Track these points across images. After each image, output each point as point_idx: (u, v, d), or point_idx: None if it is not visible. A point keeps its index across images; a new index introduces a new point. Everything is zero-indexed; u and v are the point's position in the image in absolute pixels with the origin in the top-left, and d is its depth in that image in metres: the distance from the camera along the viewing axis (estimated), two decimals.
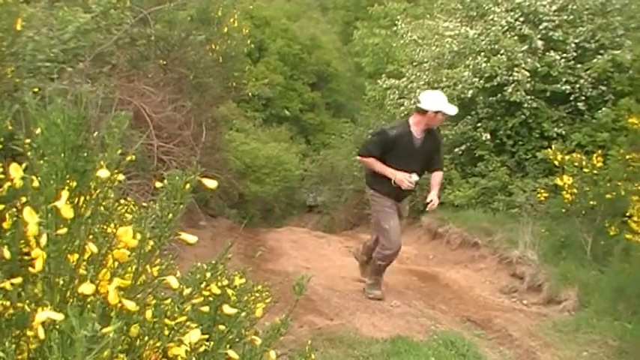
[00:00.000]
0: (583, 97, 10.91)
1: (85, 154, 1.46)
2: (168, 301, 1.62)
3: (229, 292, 2.25)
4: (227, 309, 1.60)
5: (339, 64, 35.50)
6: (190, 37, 9.27)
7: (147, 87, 7.52)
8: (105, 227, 1.56)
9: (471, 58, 12.08)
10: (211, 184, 1.56)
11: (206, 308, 1.64)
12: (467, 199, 11.49)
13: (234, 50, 10.81)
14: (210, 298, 1.71)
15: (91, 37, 6.10)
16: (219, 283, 2.52)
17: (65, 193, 1.42)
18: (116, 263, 1.52)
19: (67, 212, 1.42)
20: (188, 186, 1.54)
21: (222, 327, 1.60)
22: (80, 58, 5.95)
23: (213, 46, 10.06)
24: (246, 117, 22.73)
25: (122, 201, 1.82)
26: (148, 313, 1.55)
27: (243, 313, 2.07)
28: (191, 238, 1.54)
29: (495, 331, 5.94)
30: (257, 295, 2.49)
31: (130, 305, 1.44)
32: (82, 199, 1.52)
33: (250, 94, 15.19)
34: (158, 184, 1.75)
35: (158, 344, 1.44)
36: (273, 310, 5.88)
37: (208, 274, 1.51)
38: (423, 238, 12.15)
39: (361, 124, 19.76)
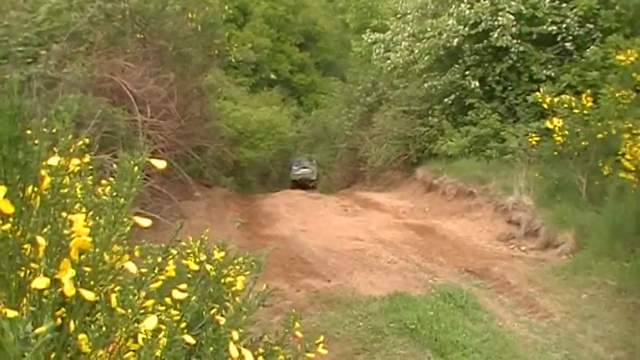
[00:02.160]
0: (570, 37, 10.64)
1: (24, 146, 1.33)
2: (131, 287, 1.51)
3: (208, 267, 2.14)
4: (176, 294, 1.48)
5: (326, 22, 34.70)
6: (167, 8, 8.92)
7: (126, 63, 7.26)
8: (64, 216, 1.44)
9: (454, 6, 11.77)
10: (160, 164, 1.43)
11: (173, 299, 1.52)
12: (460, 148, 11.41)
13: (212, 17, 10.44)
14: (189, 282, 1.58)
15: (64, 16, 5.83)
16: (197, 259, 2.42)
17: (2, 189, 1.29)
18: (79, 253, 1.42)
19: (7, 207, 1.30)
20: (137, 168, 1.39)
21: (174, 312, 1.49)
22: (56, 39, 5.69)
23: (191, 15, 9.71)
24: (236, 83, 22.27)
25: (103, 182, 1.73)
26: (114, 301, 1.45)
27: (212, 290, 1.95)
28: (144, 222, 1.41)
29: (494, 279, 5.92)
30: (239, 266, 2.36)
31: (89, 295, 1.34)
32: (30, 190, 1.39)
33: (236, 59, 14.81)
34: (114, 167, 1.61)
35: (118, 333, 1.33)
36: (269, 275, 5.84)
37: (159, 259, 1.38)
38: (418, 191, 12.12)
39: (350, 81, 19.46)
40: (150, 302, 1.47)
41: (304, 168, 22.10)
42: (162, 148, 7.89)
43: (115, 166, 1.56)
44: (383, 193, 13.64)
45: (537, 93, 8.86)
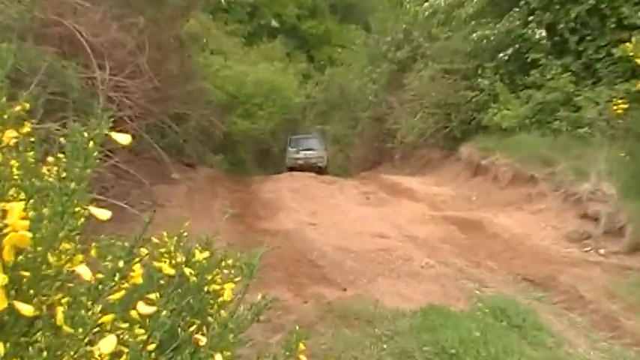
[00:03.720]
0: None
1: None
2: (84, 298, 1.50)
3: (187, 271, 2.13)
4: (143, 307, 1.46)
5: None
6: None
7: (80, 1, 7.20)
8: None
9: None
10: (123, 139, 1.40)
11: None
12: (518, 119, 11.31)
13: None
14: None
15: None
16: (174, 260, 2.42)
17: None
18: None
19: None
20: (92, 144, 1.37)
21: (139, 331, 1.47)
22: None
23: None
24: (227, 32, 22.20)
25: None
26: (60, 316, 1.43)
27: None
28: (103, 214, 1.39)
29: (562, 292, 5.86)
30: (228, 270, 2.35)
31: (26, 309, 1.32)
32: None
33: (226, 0, 14.77)
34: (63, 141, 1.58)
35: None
36: (268, 282, 5.87)
37: (121, 263, 1.36)
38: (462, 175, 12.05)
39: (376, 31, 19.29)
40: (108, 318, 1.45)
41: (308, 150, 21.40)
42: (130, 116, 7.90)
43: (64, 139, 1.54)
44: (416, 177, 13.58)
45: (627, 44, 8.67)
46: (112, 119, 1.46)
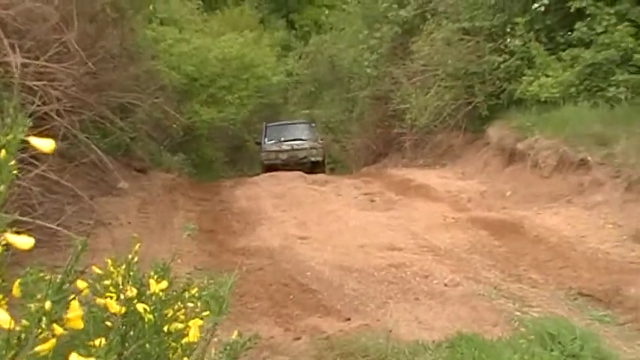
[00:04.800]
0: None
1: None
2: None
3: (140, 307, 2.13)
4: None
5: None
6: None
7: None
8: None
9: None
10: (44, 144, 1.39)
11: None
12: (561, 88, 11.34)
13: None
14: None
15: None
16: (123, 295, 2.41)
17: None
18: None
19: None
20: (4, 153, 1.36)
21: None
22: None
23: None
24: None
25: None
26: None
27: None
28: (23, 241, 1.37)
29: (630, 308, 5.83)
30: (193, 303, 2.35)
31: None
32: None
33: None
34: None
35: None
36: (249, 314, 5.89)
37: (48, 304, 1.35)
38: (492, 164, 12.12)
39: None
40: None
41: (294, 141, 20.79)
42: (58, 111, 7.84)
43: None
44: (433, 170, 13.60)
45: None
46: (34, 116, 1.44)
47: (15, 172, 1.39)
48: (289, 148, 20.32)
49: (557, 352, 4.86)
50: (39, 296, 1.48)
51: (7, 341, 1.35)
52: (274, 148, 20.42)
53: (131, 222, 8.94)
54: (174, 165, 15.76)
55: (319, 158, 20.48)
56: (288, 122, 22.30)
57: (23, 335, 1.38)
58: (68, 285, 1.42)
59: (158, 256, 2.49)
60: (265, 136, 21.09)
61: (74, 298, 1.45)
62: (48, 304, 1.35)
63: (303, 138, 20.91)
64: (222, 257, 7.76)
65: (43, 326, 1.35)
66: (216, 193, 13.16)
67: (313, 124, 21.81)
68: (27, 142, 1.39)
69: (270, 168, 19.54)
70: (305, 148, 20.36)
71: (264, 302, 6.19)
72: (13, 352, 1.35)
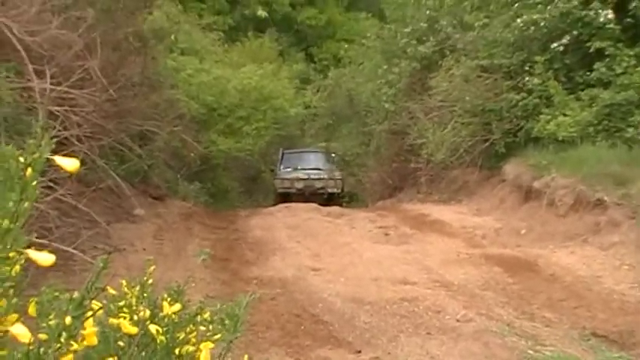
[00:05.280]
0: None
1: None
2: None
3: (153, 329, 2.15)
4: None
5: None
6: None
7: None
8: None
9: None
10: (70, 164, 1.42)
11: None
12: (579, 127, 11.35)
13: None
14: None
15: None
16: (136, 316, 2.44)
17: None
18: None
19: None
20: (31, 171, 1.39)
21: None
22: None
23: None
24: (202, 27, 22.41)
25: None
26: None
27: None
28: (45, 258, 1.41)
29: None
30: (205, 326, 2.38)
31: None
32: None
33: None
34: None
35: None
36: (260, 343, 5.90)
37: (68, 319, 1.38)
38: (508, 201, 12.11)
39: (392, 20, 19.42)
40: None
41: (311, 170, 20.23)
42: (79, 136, 7.94)
43: None
44: (448, 206, 13.57)
45: None
46: (56, 140, 1.49)
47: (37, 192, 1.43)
48: (306, 177, 19.81)
49: None
50: (52, 315, 1.51)
51: (26, 355, 1.38)
52: (290, 176, 19.88)
53: (146, 248, 8.97)
54: (190, 193, 15.80)
55: (337, 190, 19.99)
56: (307, 150, 22.05)
57: (42, 350, 1.40)
58: (88, 302, 1.45)
59: (172, 282, 2.51)
60: (281, 163, 20.63)
61: (93, 315, 1.48)
62: (68, 319, 1.38)
63: (321, 167, 20.46)
64: (235, 286, 7.76)
65: (62, 341, 1.37)
66: (231, 222, 13.19)
67: (333, 154, 21.54)
68: (51, 162, 1.43)
69: (284, 197, 18.99)
70: (323, 179, 19.89)
71: (275, 332, 6.18)
72: None
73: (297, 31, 32.55)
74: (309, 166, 20.46)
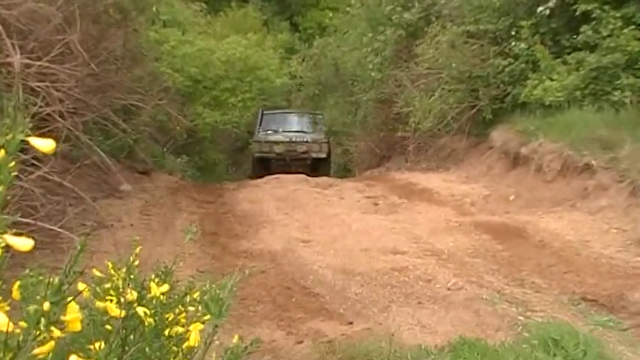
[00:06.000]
0: None
1: None
2: None
3: (140, 311, 2.12)
4: None
5: None
6: None
7: None
8: None
9: None
10: (45, 145, 1.38)
11: None
12: (566, 91, 11.32)
13: None
14: None
15: None
16: (123, 298, 2.40)
17: None
18: None
19: None
20: (4, 153, 1.35)
21: None
22: None
23: None
24: None
25: None
26: None
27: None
28: (22, 243, 1.37)
29: (634, 313, 5.86)
30: (194, 307, 2.35)
31: None
32: None
33: None
34: None
35: None
36: (251, 317, 5.89)
37: (46, 305, 1.35)
38: (495, 168, 12.15)
39: None
40: None
41: (293, 132, 19.08)
42: (61, 112, 7.85)
43: None
44: (437, 173, 13.58)
45: None
46: (37, 117, 1.43)
47: (15, 173, 1.39)
48: (287, 139, 18.84)
49: (560, 358, 4.86)
50: (38, 298, 1.48)
51: (4, 343, 1.35)
52: (269, 138, 18.85)
53: (133, 224, 8.94)
54: (177, 167, 15.74)
55: (322, 155, 19.02)
56: (289, 111, 21.12)
57: (21, 337, 1.37)
58: (67, 286, 1.41)
59: (161, 259, 2.48)
60: (260, 125, 19.57)
61: (72, 300, 1.44)
62: (46, 306, 1.35)
63: (305, 130, 19.61)
64: (225, 260, 7.75)
65: (42, 328, 1.34)
66: (219, 195, 13.15)
67: (320, 116, 20.75)
68: (28, 142, 1.39)
69: (262, 164, 18.09)
70: (306, 142, 18.95)
71: (266, 305, 6.19)
72: (11, 355, 1.35)
73: (281, 0, 32.28)
74: (292, 128, 19.52)
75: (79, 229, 7.40)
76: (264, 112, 20.11)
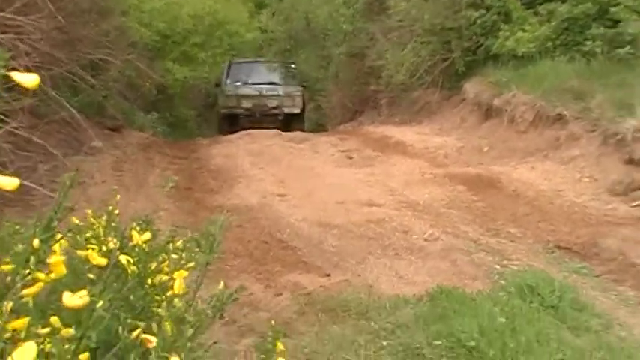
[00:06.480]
0: None
1: None
2: None
3: (123, 259, 2.10)
4: (69, 299, 1.41)
5: None
6: None
7: None
8: None
9: None
10: (29, 79, 1.34)
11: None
12: (538, 42, 11.37)
13: None
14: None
15: None
16: (105, 247, 2.38)
17: None
18: None
19: None
20: None
21: (68, 332, 1.41)
22: None
23: None
24: None
25: None
26: None
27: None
28: (9, 183, 1.33)
29: (607, 260, 5.95)
30: (177, 254, 2.34)
31: None
32: None
33: None
34: None
35: None
36: (229, 271, 5.88)
37: (36, 242, 1.32)
38: (469, 120, 12.19)
39: None
40: (21, 322, 1.41)
41: (264, 85, 17.40)
42: (27, 66, 7.69)
43: None
44: (410, 127, 13.59)
45: None
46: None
47: None
48: (256, 92, 17.26)
49: (536, 304, 4.92)
50: (19, 243, 1.43)
51: None
52: (237, 91, 17.23)
53: (106, 180, 8.85)
54: (147, 124, 15.56)
55: (296, 110, 17.63)
56: (259, 60, 19.67)
57: (9, 278, 1.34)
58: (57, 223, 1.38)
59: (137, 214, 2.44)
60: (227, 77, 17.95)
61: (60, 239, 1.41)
62: (36, 242, 1.31)
63: (276, 82, 18.06)
64: (200, 215, 7.71)
65: (32, 267, 1.31)
66: (192, 151, 13.06)
67: (294, 66, 19.59)
68: (7, 78, 1.35)
69: (229, 120, 16.75)
70: (278, 95, 17.45)
71: (243, 259, 6.18)
72: None
73: None
74: (262, 80, 17.78)
75: (50, 185, 7.31)
76: (233, 62, 18.64)
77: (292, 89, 17.84)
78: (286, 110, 17.38)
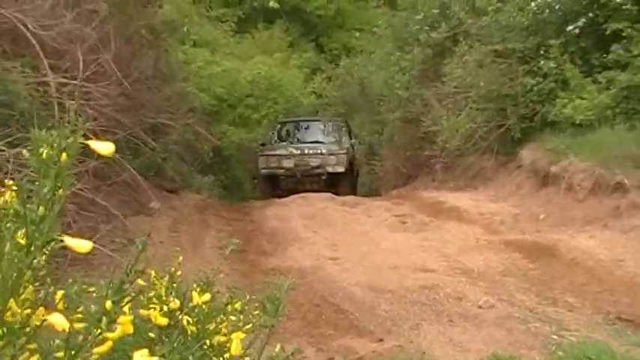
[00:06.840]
0: None
1: None
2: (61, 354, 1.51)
3: (184, 319, 2.15)
4: (139, 358, 1.45)
5: None
6: None
7: None
8: None
9: None
10: (105, 147, 1.41)
11: None
12: (597, 110, 11.28)
13: None
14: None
15: None
16: (166, 307, 2.43)
17: None
18: None
19: None
20: (65, 156, 1.38)
21: None
22: None
23: None
24: (212, 18, 22.37)
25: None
26: None
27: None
28: (82, 245, 1.39)
29: None
30: (235, 316, 2.39)
31: None
32: None
33: None
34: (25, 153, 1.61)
35: None
36: (282, 333, 5.89)
37: (108, 303, 1.37)
38: (525, 187, 12.05)
39: (403, 8, 19.30)
40: None
41: (307, 144, 16.72)
42: (94, 130, 7.94)
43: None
44: (465, 193, 13.50)
45: None
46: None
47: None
48: (297, 152, 16.45)
49: None
50: (82, 307, 1.48)
51: (66, 341, 1.36)
52: (278, 151, 16.50)
53: (163, 241, 8.98)
54: (204, 186, 15.79)
55: (340, 169, 16.48)
56: (305, 119, 19.21)
57: (81, 337, 1.38)
58: (128, 285, 1.43)
59: (191, 275, 2.50)
60: (274, 135, 17.72)
61: (132, 300, 1.46)
62: (108, 304, 1.36)
63: (320, 140, 17.35)
64: (254, 277, 7.77)
65: (103, 327, 1.35)
66: (246, 213, 13.20)
67: (342, 123, 19.12)
68: (85, 145, 1.42)
69: (271, 182, 16.23)
70: (320, 154, 16.43)
71: (296, 322, 6.18)
72: (70, 355, 1.36)
73: (307, 22, 32.37)
74: (305, 138, 17.28)
75: (110, 245, 7.46)
76: (278, 121, 18.43)
77: (336, 147, 17.11)
78: (330, 169, 16.37)
